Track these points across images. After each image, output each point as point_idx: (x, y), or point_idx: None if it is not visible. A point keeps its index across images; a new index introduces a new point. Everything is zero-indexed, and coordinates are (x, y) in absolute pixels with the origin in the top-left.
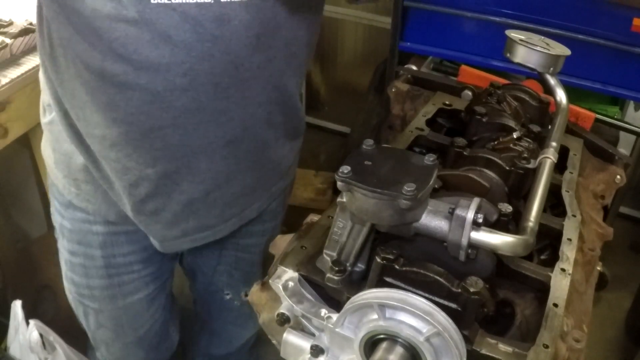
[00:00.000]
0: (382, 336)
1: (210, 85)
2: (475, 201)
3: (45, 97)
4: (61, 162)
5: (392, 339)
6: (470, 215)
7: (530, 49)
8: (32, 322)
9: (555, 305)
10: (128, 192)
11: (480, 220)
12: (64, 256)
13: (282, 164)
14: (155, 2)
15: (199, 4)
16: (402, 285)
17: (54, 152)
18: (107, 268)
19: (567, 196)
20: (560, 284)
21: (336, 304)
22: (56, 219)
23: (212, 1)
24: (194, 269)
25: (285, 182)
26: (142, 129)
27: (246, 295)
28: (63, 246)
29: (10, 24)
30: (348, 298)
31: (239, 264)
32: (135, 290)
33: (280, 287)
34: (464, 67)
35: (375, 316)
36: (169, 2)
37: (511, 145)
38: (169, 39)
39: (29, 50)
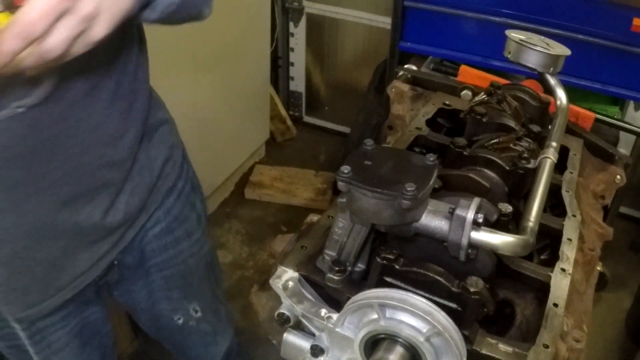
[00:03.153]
0: (382, 336)
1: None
2: (475, 201)
3: None
4: None
5: (392, 338)
6: (470, 215)
7: (530, 49)
8: None
9: (555, 305)
10: None
11: (481, 220)
12: None
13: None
14: None
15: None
16: (402, 285)
17: None
18: (32, 337)
19: (567, 196)
20: (560, 284)
21: (336, 304)
22: None
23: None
24: (133, 307)
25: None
26: None
27: (195, 310)
28: None
29: None
30: (348, 298)
31: (170, 283)
32: (65, 344)
33: (280, 287)
34: (464, 67)
35: (375, 316)
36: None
37: (511, 145)
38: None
39: None
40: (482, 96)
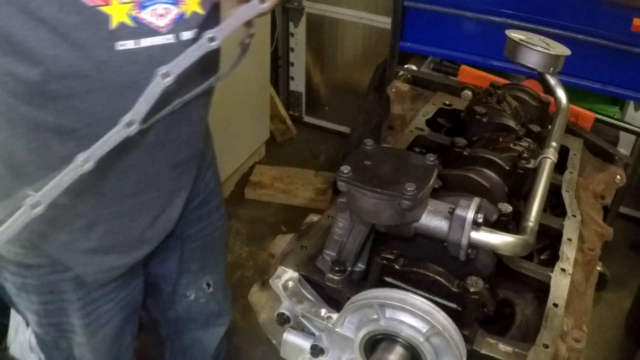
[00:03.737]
0: (382, 336)
1: (166, 117)
2: (475, 201)
3: None
4: None
5: (392, 338)
6: (470, 215)
7: (530, 49)
8: None
9: (555, 305)
10: (84, 235)
11: (480, 220)
12: (32, 309)
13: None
14: (122, 48)
15: (164, 45)
16: (402, 285)
17: None
18: (84, 307)
19: (567, 196)
20: (560, 284)
21: (336, 304)
22: (14, 281)
23: (175, 41)
24: (161, 279)
25: (202, 161)
26: (104, 172)
27: (208, 285)
28: (30, 301)
29: None
30: (348, 298)
31: (194, 255)
32: (111, 318)
33: (280, 287)
34: (464, 67)
35: (375, 316)
36: (136, 47)
37: (511, 145)
38: (134, 85)
39: None
40: (480, 96)
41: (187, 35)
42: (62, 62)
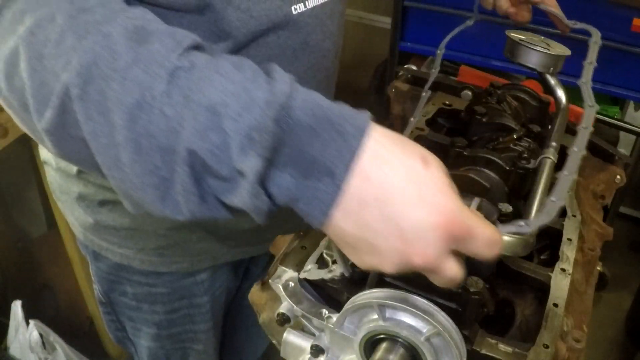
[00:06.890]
0: (382, 336)
1: (326, 78)
2: (475, 201)
3: None
4: (130, 237)
5: (392, 339)
6: None
7: (530, 49)
8: (32, 322)
9: (555, 305)
10: None
11: None
12: (154, 320)
13: None
14: (296, 12)
15: (323, 4)
16: (402, 285)
17: (115, 229)
18: (212, 310)
19: (567, 196)
20: (560, 284)
21: (336, 304)
22: (136, 293)
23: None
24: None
25: None
26: None
27: None
28: (153, 312)
29: None
30: (348, 298)
31: None
32: (223, 315)
33: (280, 287)
34: (464, 67)
35: (375, 316)
36: (306, 9)
37: (511, 145)
38: (306, 46)
39: None
40: (480, 96)
41: None
42: (250, 34)
